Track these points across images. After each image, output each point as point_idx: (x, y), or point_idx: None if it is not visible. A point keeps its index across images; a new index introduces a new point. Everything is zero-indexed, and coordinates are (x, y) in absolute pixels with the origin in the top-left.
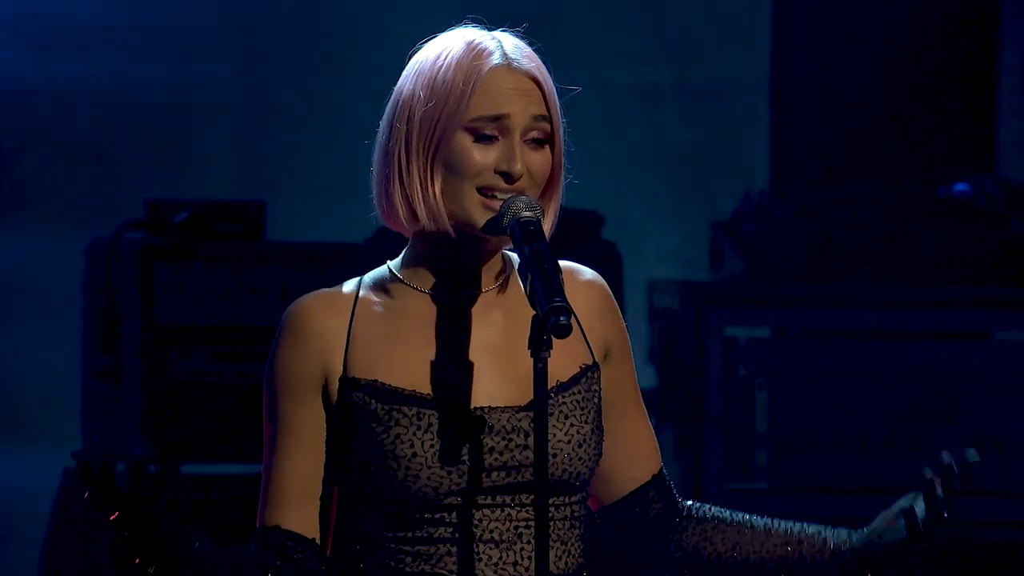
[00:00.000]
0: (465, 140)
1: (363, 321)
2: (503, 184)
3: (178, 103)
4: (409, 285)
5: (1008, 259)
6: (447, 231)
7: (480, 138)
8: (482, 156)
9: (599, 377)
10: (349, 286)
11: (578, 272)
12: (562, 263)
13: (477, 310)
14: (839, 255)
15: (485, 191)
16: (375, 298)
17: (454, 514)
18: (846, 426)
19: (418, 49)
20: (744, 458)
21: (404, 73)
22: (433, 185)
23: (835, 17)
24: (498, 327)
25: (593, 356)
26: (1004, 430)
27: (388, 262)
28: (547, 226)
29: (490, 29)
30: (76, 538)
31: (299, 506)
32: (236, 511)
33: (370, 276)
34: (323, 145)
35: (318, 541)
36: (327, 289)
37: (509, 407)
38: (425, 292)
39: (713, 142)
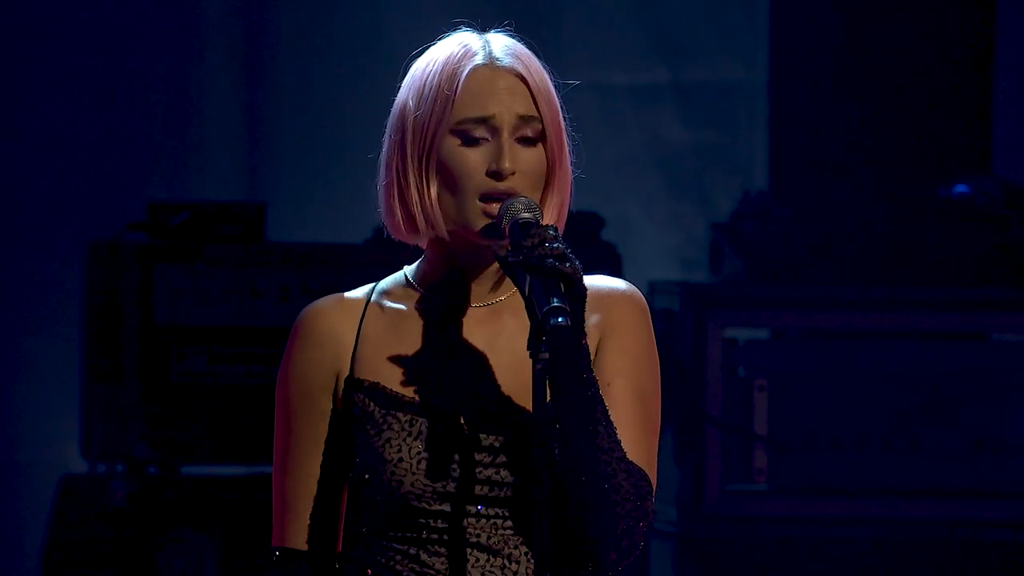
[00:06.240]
0: (454, 144)
1: (372, 324)
2: (498, 186)
3: (179, 104)
4: (420, 291)
5: (1007, 260)
6: (443, 237)
7: (468, 140)
8: (472, 158)
9: None
10: (363, 290)
11: (602, 286)
12: (594, 277)
13: (485, 318)
14: (838, 256)
15: (485, 198)
16: (387, 303)
17: (441, 521)
18: (845, 427)
19: (416, 58)
20: (744, 459)
21: (402, 84)
22: (429, 192)
23: (833, 18)
24: (505, 335)
25: None
26: (1003, 431)
27: (405, 267)
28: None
29: (483, 31)
30: (75, 540)
31: (317, 522)
32: (236, 512)
33: (385, 281)
34: (323, 146)
35: (335, 543)
36: (341, 293)
37: (504, 422)
38: (435, 299)
39: (712, 143)
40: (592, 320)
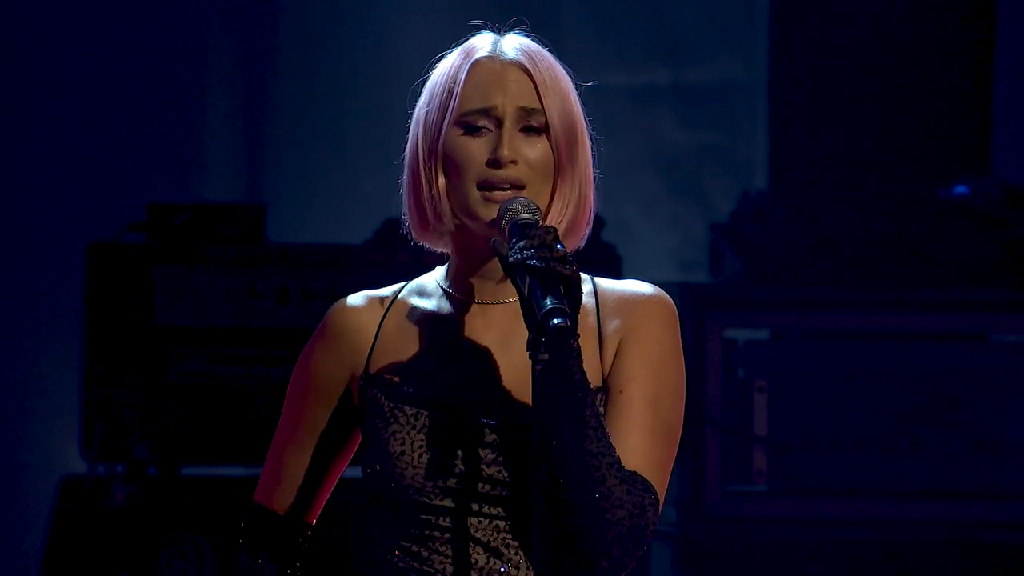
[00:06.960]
0: (456, 134)
1: (393, 321)
2: (497, 174)
3: (179, 104)
4: (444, 290)
5: (1007, 261)
6: (451, 230)
7: (470, 130)
8: (473, 147)
9: (604, 401)
10: (392, 288)
11: (627, 290)
12: (623, 281)
13: (502, 317)
14: (838, 257)
15: (484, 186)
16: (412, 301)
17: (443, 518)
18: (845, 428)
19: (440, 60)
20: (744, 460)
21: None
22: (437, 183)
23: (832, 18)
24: (522, 334)
25: (603, 379)
26: (1004, 431)
27: (437, 268)
28: (562, 224)
29: (501, 32)
30: (75, 540)
31: (294, 495)
32: (236, 513)
33: (417, 279)
34: (323, 147)
35: (306, 521)
36: (372, 290)
37: (507, 422)
38: (456, 297)
39: (711, 144)
40: (614, 324)
